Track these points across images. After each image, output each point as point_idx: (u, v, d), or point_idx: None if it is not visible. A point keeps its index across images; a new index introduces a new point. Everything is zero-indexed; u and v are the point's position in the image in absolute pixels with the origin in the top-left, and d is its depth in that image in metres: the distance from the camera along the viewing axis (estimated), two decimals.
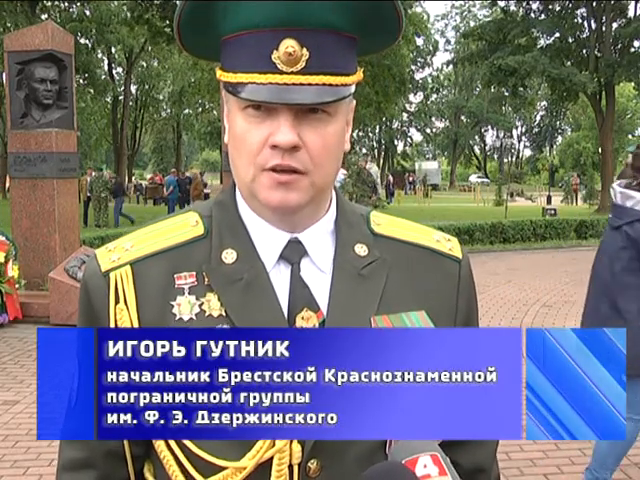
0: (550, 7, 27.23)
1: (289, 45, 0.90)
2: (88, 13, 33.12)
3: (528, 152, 76.19)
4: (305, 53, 0.91)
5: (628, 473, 4.05)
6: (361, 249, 1.03)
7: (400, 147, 71.87)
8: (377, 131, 63.83)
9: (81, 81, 32.93)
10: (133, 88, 48.47)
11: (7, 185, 26.52)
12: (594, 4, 26.05)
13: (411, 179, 51.09)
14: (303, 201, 0.96)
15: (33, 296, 8.18)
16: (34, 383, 5.68)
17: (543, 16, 27.20)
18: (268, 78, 0.91)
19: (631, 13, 26.83)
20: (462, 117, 68.78)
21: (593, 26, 26.59)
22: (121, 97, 44.26)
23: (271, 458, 0.92)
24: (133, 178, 48.18)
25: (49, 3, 30.34)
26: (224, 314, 0.96)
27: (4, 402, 5.22)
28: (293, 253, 1.00)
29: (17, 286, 7.90)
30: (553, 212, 20.77)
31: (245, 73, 0.92)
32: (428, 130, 71.47)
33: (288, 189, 0.94)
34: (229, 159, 1.02)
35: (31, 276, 8.45)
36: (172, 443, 0.95)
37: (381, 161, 66.18)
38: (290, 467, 0.93)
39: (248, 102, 0.93)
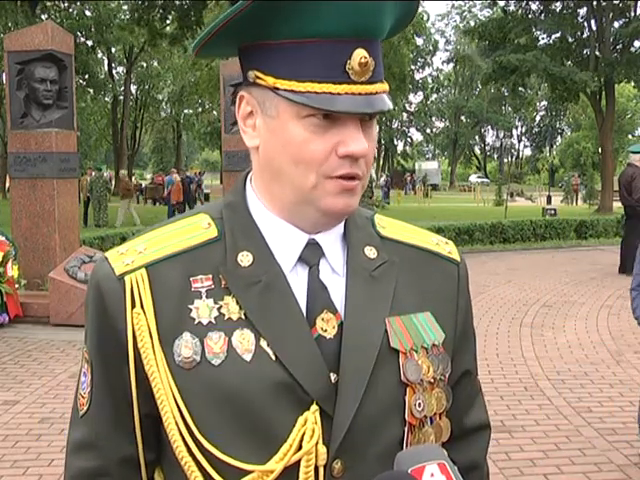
0: (550, 7, 27.21)
1: (362, 55, 0.92)
2: (88, 13, 33.13)
3: (528, 152, 76.22)
4: (372, 63, 0.93)
5: (628, 473, 4.04)
6: (370, 251, 1.04)
7: (400, 147, 71.88)
8: (377, 131, 63.71)
9: (81, 81, 32.90)
10: (133, 88, 48.45)
11: (7, 185, 26.53)
12: (594, 4, 26.04)
13: (410, 179, 51.06)
14: (357, 204, 1.00)
15: (33, 296, 8.17)
16: (34, 383, 5.68)
17: (543, 16, 27.19)
18: (345, 88, 0.91)
19: (631, 13, 26.81)
20: (462, 117, 68.77)
21: (593, 26, 26.58)
22: (121, 97, 44.25)
23: (298, 461, 0.92)
24: (133, 178, 48.14)
25: (49, 3, 30.28)
26: (243, 317, 0.95)
27: (4, 402, 5.21)
28: (312, 255, 1.00)
29: (17, 286, 7.89)
30: (553, 212, 20.76)
31: (317, 82, 0.91)
32: (428, 130, 71.49)
33: (351, 194, 0.96)
34: (265, 161, 0.99)
35: (31, 276, 8.44)
36: (194, 449, 0.94)
37: (381, 161, 66.19)
38: (315, 468, 0.93)
39: (318, 111, 0.92)
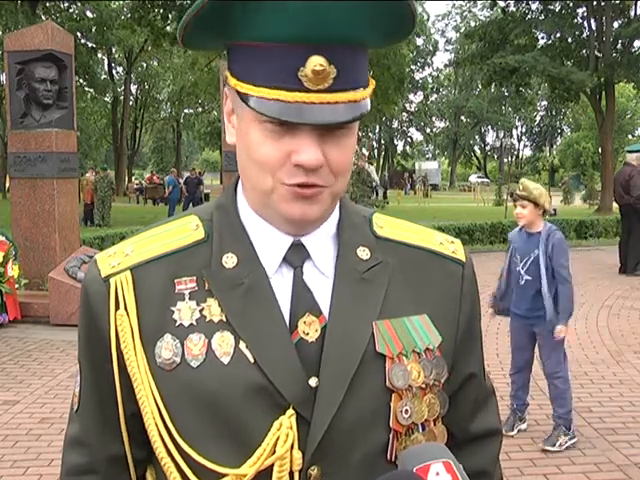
0: (550, 7, 27.21)
1: (318, 63, 0.86)
2: (89, 13, 33.11)
3: (528, 152, 76.20)
4: (332, 71, 0.86)
5: (628, 473, 4.04)
6: (363, 252, 1.01)
7: (400, 147, 71.89)
8: (377, 131, 63.81)
9: (81, 81, 32.89)
10: (133, 88, 48.47)
11: (7, 185, 26.51)
12: (594, 4, 26.03)
13: (408, 178, 51.02)
14: (322, 212, 0.96)
15: (33, 296, 8.17)
16: (34, 383, 5.68)
17: (543, 16, 27.19)
18: (295, 97, 0.86)
19: (631, 13, 26.81)
20: (462, 117, 68.76)
21: (593, 26, 26.58)
22: (121, 97, 44.25)
23: (272, 465, 0.91)
24: (133, 178, 48.14)
25: (49, 3, 30.26)
26: (224, 319, 0.94)
27: (4, 402, 5.21)
28: (296, 257, 0.98)
29: (17, 286, 7.89)
30: (553, 212, 20.75)
31: (269, 88, 0.87)
32: (428, 130, 71.48)
33: (310, 202, 0.92)
34: (238, 161, 0.98)
35: (31, 276, 8.44)
36: (173, 449, 0.94)
37: (381, 161, 66.21)
38: (291, 474, 0.91)
39: (271, 119, 0.89)
